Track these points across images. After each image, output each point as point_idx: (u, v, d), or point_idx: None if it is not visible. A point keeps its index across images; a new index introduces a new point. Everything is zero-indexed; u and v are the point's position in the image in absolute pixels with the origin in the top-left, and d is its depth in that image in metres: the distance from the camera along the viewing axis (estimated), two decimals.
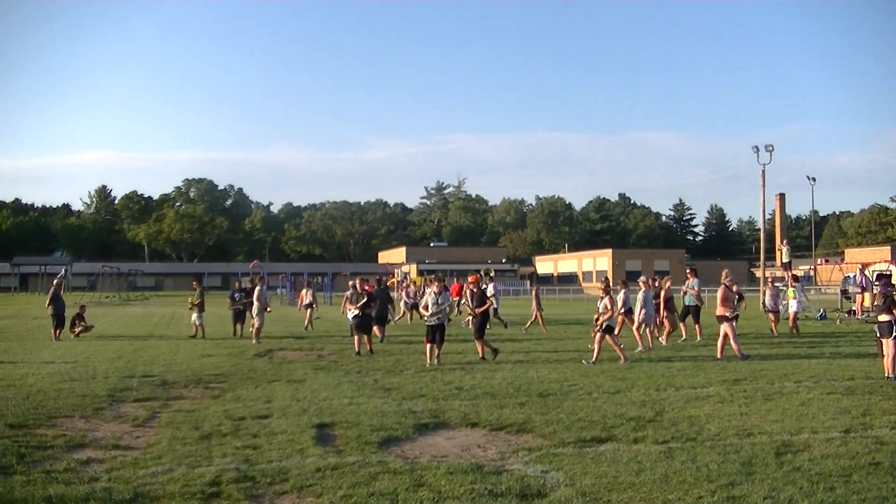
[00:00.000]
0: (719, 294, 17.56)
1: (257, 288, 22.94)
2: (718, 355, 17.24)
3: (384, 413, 10.86)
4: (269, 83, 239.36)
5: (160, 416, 10.78)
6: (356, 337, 18.91)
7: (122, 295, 72.00)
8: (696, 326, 21.94)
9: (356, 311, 18.88)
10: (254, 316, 22.48)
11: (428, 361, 16.62)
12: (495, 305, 23.37)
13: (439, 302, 17.27)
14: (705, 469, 7.66)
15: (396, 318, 31.06)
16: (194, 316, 24.30)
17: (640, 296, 20.19)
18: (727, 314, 17.26)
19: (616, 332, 17.64)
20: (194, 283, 26.16)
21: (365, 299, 19.08)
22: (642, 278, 21.39)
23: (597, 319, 16.90)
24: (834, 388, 12.91)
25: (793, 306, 25.19)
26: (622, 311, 19.63)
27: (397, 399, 12.15)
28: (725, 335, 17.31)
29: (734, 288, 17.85)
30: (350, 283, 20.37)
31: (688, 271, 23.47)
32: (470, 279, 19.88)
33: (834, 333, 24.49)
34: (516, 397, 12.22)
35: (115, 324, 31.68)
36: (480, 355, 17.56)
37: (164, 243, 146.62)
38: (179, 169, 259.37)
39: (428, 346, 16.74)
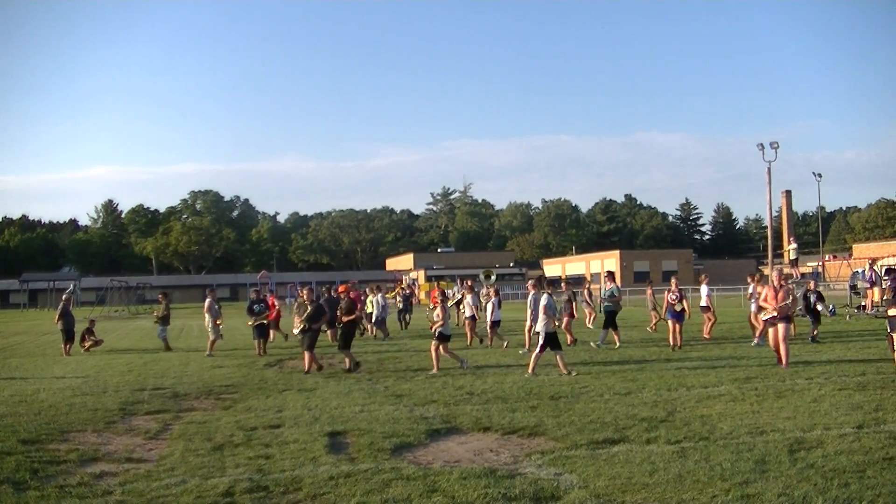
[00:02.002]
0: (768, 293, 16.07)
1: (207, 301, 22.61)
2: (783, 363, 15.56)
3: (396, 419, 10.86)
4: (273, 93, 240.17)
5: (172, 429, 10.80)
6: (306, 354, 17.29)
7: (130, 308, 72.13)
8: (614, 332, 20.91)
9: (302, 326, 17.52)
10: (208, 329, 22.23)
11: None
12: (496, 318, 22.94)
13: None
14: (719, 468, 7.64)
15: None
16: (159, 329, 24.45)
17: (534, 298, 20.49)
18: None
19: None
20: (160, 295, 26.05)
21: (311, 311, 17.54)
22: (531, 281, 21.85)
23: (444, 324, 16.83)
24: (846, 384, 12.88)
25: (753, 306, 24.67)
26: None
27: (409, 405, 12.15)
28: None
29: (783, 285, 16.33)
30: (301, 294, 19.62)
31: (605, 275, 22.81)
32: (340, 289, 19.52)
33: (844, 329, 24.41)
34: (528, 401, 12.21)
35: (125, 337, 31.74)
36: (305, 368, 16.98)
37: (171, 256, 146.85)
38: (185, 181, 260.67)
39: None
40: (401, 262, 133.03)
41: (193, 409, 12.44)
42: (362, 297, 27.69)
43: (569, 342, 21.21)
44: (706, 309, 23.30)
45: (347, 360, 17.27)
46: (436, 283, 55.82)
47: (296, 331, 18.44)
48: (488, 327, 22.49)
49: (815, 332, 21.14)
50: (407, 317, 32.60)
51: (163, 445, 9.68)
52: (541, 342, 15.61)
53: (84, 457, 9.02)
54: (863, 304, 31.19)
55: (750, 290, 24.26)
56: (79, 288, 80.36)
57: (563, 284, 24.43)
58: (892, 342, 14.57)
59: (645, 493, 6.89)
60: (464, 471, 7.85)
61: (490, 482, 7.36)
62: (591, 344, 20.39)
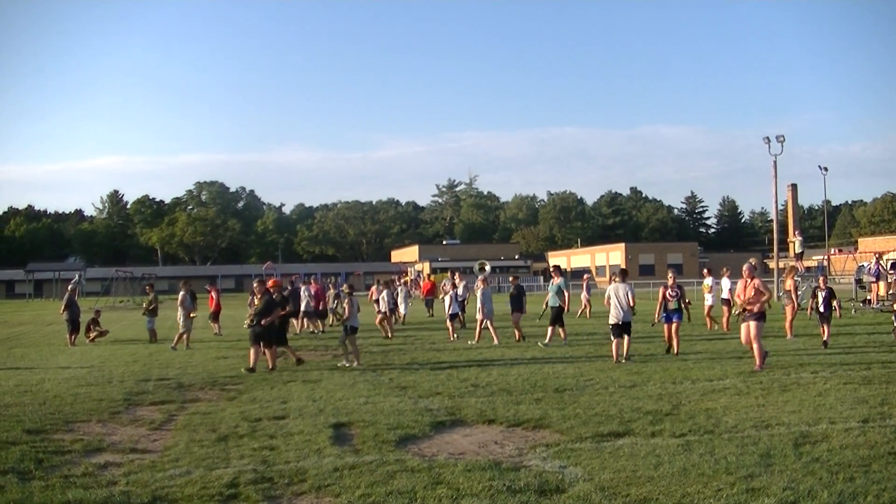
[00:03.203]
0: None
1: (181, 293, 22.33)
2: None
3: (401, 411, 10.86)
4: (279, 84, 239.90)
5: (177, 419, 10.81)
6: (252, 349, 16.14)
7: (136, 299, 72.18)
8: (560, 329, 20.02)
9: (250, 320, 16.49)
10: (179, 322, 21.88)
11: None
12: (453, 311, 22.69)
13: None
14: (724, 461, 7.63)
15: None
16: (147, 320, 24.51)
17: (479, 293, 21.30)
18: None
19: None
20: (147, 287, 26.03)
21: (261, 305, 16.38)
22: (481, 276, 21.94)
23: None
24: (851, 378, 12.85)
25: (708, 300, 24.17)
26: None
27: (413, 397, 12.15)
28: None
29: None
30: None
31: (552, 270, 21.84)
32: (270, 283, 17.94)
33: (849, 323, 24.35)
34: (532, 393, 12.21)
35: (130, 328, 31.76)
36: (251, 365, 15.85)
37: (177, 247, 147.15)
38: (191, 172, 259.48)
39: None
40: (406, 254, 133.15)
41: (198, 400, 12.45)
42: (325, 291, 27.57)
43: (517, 339, 20.92)
44: (727, 302, 23.26)
45: (291, 354, 17.00)
46: (425, 275, 54.99)
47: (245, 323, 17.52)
48: (447, 320, 22.79)
49: (827, 337, 17.90)
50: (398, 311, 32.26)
51: (167, 436, 9.68)
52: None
53: (89, 447, 9.03)
54: (868, 297, 31.11)
55: (708, 282, 24.27)
56: (84, 278, 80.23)
57: (511, 278, 23.80)
58: None
59: (650, 487, 6.88)
60: (468, 463, 7.84)
61: (495, 474, 7.35)
62: (539, 343, 19.53)
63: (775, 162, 44.40)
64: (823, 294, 18.43)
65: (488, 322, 20.83)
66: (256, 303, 16.75)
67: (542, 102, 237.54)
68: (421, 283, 47.36)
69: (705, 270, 23.90)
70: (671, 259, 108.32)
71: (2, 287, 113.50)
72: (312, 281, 26.40)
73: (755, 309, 14.56)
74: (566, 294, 20.32)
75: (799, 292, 27.02)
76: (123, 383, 14.47)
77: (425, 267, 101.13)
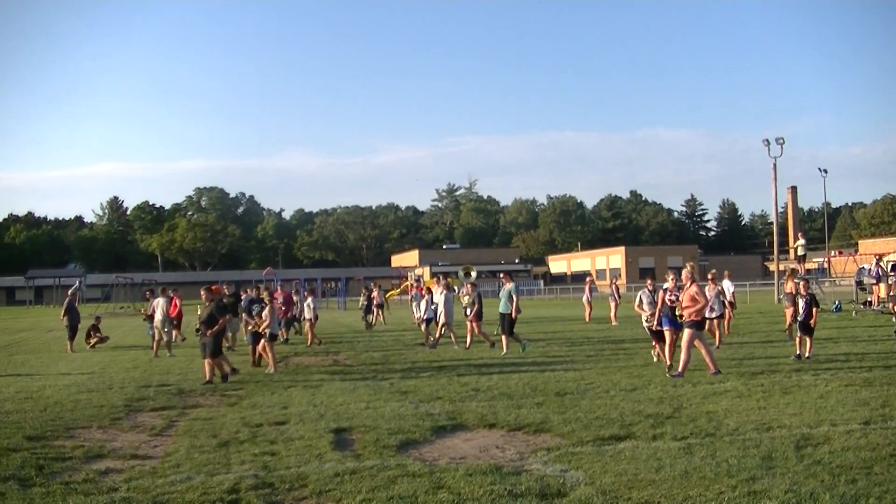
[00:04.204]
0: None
1: (160, 299, 21.63)
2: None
3: (401, 416, 10.85)
4: (278, 89, 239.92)
5: (177, 425, 10.80)
6: (206, 364, 15.45)
7: (136, 305, 72.19)
8: (504, 337, 19.12)
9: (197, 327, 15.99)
10: (158, 328, 21.15)
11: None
12: (428, 315, 22.48)
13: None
14: (725, 464, 7.62)
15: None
16: (147, 327, 24.16)
17: (441, 297, 21.56)
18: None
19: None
20: (147, 293, 25.94)
21: (205, 315, 15.65)
22: (443, 282, 22.02)
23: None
24: (852, 380, 12.83)
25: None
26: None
27: (414, 402, 12.13)
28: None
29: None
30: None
31: (502, 276, 21.06)
32: (213, 288, 17.37)
33: (850, 325, 24.35)
34: (533, 397, 12.19)
35: (130, 334, 31.74)
36: (207, 378, 15.18)
37: (177, 253, 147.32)
38: (190, 178, 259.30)
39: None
40: (406, 259, 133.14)
41: (199, 406, 12.44)
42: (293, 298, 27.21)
43: (467, 345, 20.76)
44: (729, 304, 23.25)
45: (217, 368, 15.41)
46: (416, 280, 54.31)
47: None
48: (423, 324, 22.68)
49: (801, 350, 15.85)
50: (370, 318, 32.32)
51: (168, 442, 9.67)
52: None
53: (89, 453, 9.01)
54: (869, 299, 31.13)
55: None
56: (84, 284, 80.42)
57: (467, 285, 22.88)
58: None
59: (651, 490, 6.87)
60: (469, 467, 7.83)
61: (496, 479, 7.34)
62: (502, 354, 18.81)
63: (775, 165, 44.39)
64: (804, 301, 15.96)
65: (448, 327, 21.19)
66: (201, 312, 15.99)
67: (542, 106, 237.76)
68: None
69: (670, 276, 22.94)
70: (671, 262, 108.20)
71: (2, 294, 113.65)
72: (279, 288, 25.79)
73: (691, 317, 13.91)
74: (515, 300, 19.07)
75: None
76: (124, 389, 14.45)
77: (426, 272, 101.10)
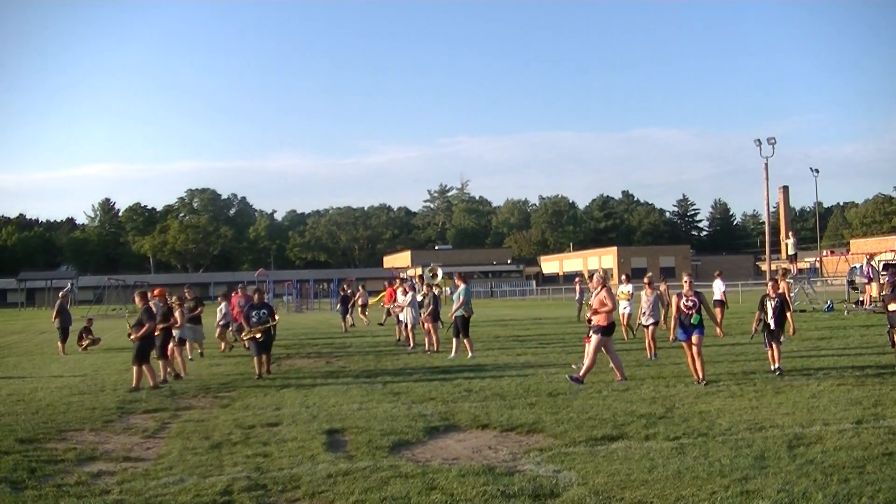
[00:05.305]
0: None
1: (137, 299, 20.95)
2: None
3: (394, 417, 10.85)
4: (270, 90, 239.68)
5: (170, 427, 10.78)
6: (134, 369, 14.89)
7: (128, 307, 72.02)
8: (465, 340, 18.59)
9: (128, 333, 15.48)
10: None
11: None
12: (414, 321, 21.77)
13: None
14: (718, 464, 7.63)
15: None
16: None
17: (407, 297, 21.73)
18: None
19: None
20: (136, 296, 25.28)
21: (136, 319, 15.23)
22: (407, 283, 22.05)
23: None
24: (844, 380, 12.87)
25: (625, 308, 21.30)
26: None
27: (407, 403, 12.13)
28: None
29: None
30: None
31: (456, 277, 20.44)
32: (155, 292, 16.91)
33: (842, 325, 24.42)
34: (526, 398, 12.20)
35: (123, 336, 31.57)
36: (162, 377, 15.46)
37: (169, 254, 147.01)
38: (182, 179, 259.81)
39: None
40: (398, 260, 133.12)
41: (191, 408, 12.41)
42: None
43: (409, 346, 21.11)
44: (720, 304, 23.37)
45: (143, 376, 14.75)
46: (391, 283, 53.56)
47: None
48: (408, 328, 22.05)
49: (778, 362, 13.87)
50: (350, 318, 31.56)
51: (160, 444, 9.65)
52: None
53: (82, 456, 8.99)
54: (861, 299, 31.24)
55: (626, 289, 21.56)
56: (76, 286, 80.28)
57: (424, 287, 22.40)
58: (893, 337, 14.25)
59: (644, 490, 6.87)
60: (462, 468, 7.83)
61: (489, 479, 7.34)
62: (448, 357, 18.58)
63: (766, 164, 44.55)
64: (774, 303, 14.02)
65: (409, 328, 21.49)
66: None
67: (534, 107, 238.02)
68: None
69: (623, 277, 22.51)
70: (664, 262, 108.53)
71: None
72: (239, 291, 24.14)
73: (598, 322, 13.54)
74: (461, 300, 18.62)
75: (792, 294, 27.09)
76: (116, 391, 14.42)
77: (418, 272, 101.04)
